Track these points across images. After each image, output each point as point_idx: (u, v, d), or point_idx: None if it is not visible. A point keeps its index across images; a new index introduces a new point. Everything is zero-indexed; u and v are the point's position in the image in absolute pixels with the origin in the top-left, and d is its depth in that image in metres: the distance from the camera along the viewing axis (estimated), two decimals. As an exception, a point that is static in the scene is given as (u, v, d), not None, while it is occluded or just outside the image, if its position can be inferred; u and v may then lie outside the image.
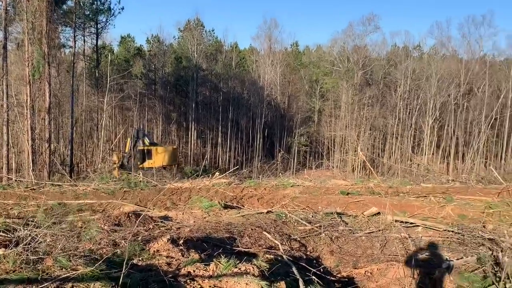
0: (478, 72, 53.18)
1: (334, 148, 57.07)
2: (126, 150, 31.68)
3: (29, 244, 5.91)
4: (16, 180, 17.33)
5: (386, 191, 14.08)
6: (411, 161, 52.41)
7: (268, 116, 60.01)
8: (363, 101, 53.34)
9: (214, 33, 64.27)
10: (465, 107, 51.80)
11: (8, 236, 6.92)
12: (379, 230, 9.18)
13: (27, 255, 5.29)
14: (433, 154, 53.83)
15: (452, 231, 8.79)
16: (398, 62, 56.03)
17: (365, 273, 6.78)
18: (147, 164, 30.19)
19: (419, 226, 9.49)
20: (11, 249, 5.64)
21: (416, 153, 54.62)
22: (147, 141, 31.67)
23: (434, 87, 50.65)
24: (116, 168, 29.29)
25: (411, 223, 9.75)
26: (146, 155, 30.95)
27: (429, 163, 50.13)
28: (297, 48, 77.00)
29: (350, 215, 11.28)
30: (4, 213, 10.72)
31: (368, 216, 10.81)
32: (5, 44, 25.57)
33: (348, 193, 14.11)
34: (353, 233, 9.18)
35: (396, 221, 9.77)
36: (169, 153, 31.62)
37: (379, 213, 10.90)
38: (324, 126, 58.83)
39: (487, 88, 51.24)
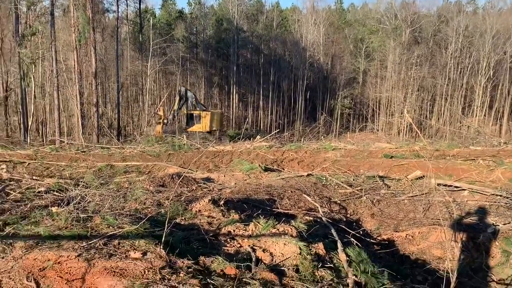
0: (539, 27, 49.12)
1: (379, 110, 55.53)
2: (174, 108, 31.93)
3: (79, 203, 6.27)
4: (67, 143, 18.25)
5: (432, 154, 13.67)
6: (460, 123, 50.20)
7: (311, 78, 58.89)
8: (411, 60, 51.00)
9: (255, -8, 62.93)
10: (522, 65, 48.40)
11: (61, 195, 7.38)
12: (423, 194, 8.98)
13: (78, 213, 5.63)
14: (484, 115, 51.20)
15: (501, 195, 8.45)
16: (450, 18, 52.67)
17: (406, 236, 6.71)
18: (195, 128, 30.61)
19: (465, 190, 9.19)
20: (63, 207, 6.01)
21: (467, 114, 52.16)
22: (195, 102, 31.88)
23: (489, 44, 47.47)
24: (161, 123, 29.85)
25: (456, 187, 9.45)
26: (193, 119, 31.33)
27: (480, 125, 47.84)
28: (341, 6, 74.20)
29: (393, 179, 11.09)
30: (57, 174, 11.38)
31: (411, 180, 10.58)
32: (52, 10, 26.33)
33: (392, 157, 13.82)
34: (395, 197, 9.04)
35: (440, 184, 9.50)
36: (215, 118, 31.82)
37: (423, 176, 10.63)
38: (369, 88, 57.10)
39: (549, 44, 47.39)
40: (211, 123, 30.92)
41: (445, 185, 9.55)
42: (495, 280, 5.48)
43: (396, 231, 7.01)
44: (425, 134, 44.40)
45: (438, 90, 52.11)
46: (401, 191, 9.68)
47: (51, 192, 7.83)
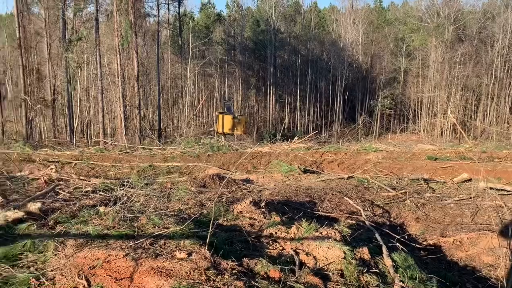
0: None
1: (421, 110, 53.87)
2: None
3: (125, 203, 6.45)
4: (111, 144, 18.82)
5: (479, 156, 13.09)
6: (508, 123, 47.90)
7: (349, 78, 57.98)
8: (455, 59, 49.17)
9: (292, -7, 62.74)
10: None
11: (107, 195, 7.61)
12: (470, 198, 8.63)
13: (124, 213, 5.79)
14: (535, 115, 48.62)
15: (557, 201, 8.00)
16: (496, 15, 50.37)
17: (453, 241, 6.46)
18: (216, 128, 31.34)
19: (517, 194, 8.77)
20: (110, 207, 6.20)
21: (515, 115, 49.70)
22: (226, 108, 32.70)
23: (539, 41, 45.08)
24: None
25: (508, 191, 9.02)
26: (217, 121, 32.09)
27: (530, 126, 45.47)
28: (381, 4, 72.60)
29: (438, 182, 10.73)
30: (103, 174, 11.76)
31: (458, 183, 10.20)
32: (97, 16, 27.29)
33: (436, 158, 13.37)
34: (441, 200, 8.75)
35: (490, 188, 9.10)
36: (228, 121, 31.96)
37: (470, 179, 10.22)
38: (410, 87, 55.49)
39: None
40: (225, 126, 31.01)
41: (495, 189, 9.15)
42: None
43: (443, 236, 6.77)
44: (470, 135, 42.70)
45: (484, 90, 49.95)
46: (447, 194, 9.35)
47: (98, 192, 8.10)
